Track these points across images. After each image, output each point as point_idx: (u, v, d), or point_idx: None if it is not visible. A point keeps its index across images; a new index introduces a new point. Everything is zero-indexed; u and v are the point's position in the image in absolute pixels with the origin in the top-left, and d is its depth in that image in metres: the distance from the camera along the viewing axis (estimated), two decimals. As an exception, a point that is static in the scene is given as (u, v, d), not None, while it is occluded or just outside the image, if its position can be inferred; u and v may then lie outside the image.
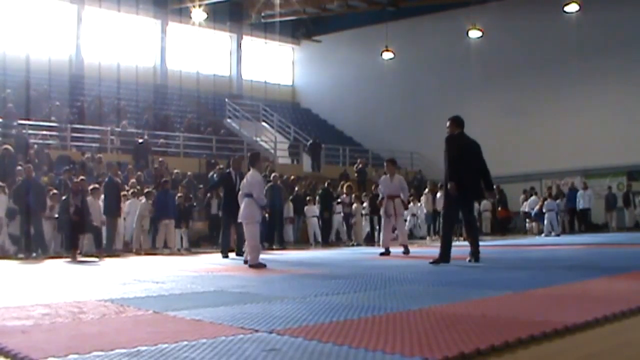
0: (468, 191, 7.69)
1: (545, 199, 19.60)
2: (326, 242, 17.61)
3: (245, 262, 8.61)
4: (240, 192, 8.79)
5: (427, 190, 19.09)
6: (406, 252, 10.54)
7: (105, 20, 26.31)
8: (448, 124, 7.86)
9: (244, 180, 8.73)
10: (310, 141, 24.74)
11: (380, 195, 11.46)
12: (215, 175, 16.80)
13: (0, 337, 2.94)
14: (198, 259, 11.66)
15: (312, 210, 17.70)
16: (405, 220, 17.67)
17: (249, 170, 8.72)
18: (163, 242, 14.56)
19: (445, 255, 7.60)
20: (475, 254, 7.68)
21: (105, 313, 3.84)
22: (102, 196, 13.80)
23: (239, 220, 8.72)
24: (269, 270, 7.75)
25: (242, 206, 8.51)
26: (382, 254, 10.52)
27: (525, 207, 21.34)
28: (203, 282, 6.09)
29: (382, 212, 11.40)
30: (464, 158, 7.59)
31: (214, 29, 28.72)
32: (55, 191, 13.81)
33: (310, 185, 20.40)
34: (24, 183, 12.70)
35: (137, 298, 4.68)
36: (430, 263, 7.57)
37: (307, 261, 9.88)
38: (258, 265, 8.10)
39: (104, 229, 13.55)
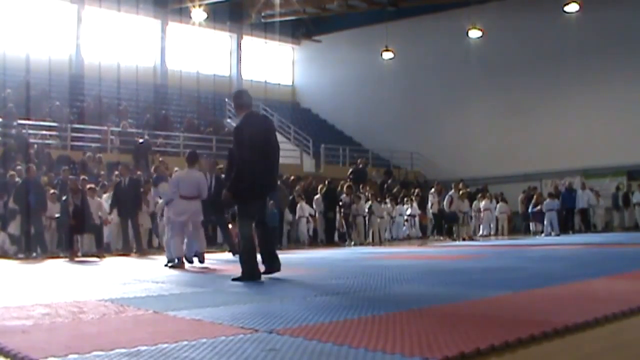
0: (265, 188, 6.19)
1: (540, 197, 19.45)
2: (331, 242, 17.59)
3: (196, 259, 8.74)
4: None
5: (432, 190, 18.94)
6: (200, 261, 8.68)
7: (105, 20, 26.27)
8: (234, 105, 6.30)
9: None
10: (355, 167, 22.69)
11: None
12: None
13: (0, 337, 2.94)
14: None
15: (305, 209, 17.57)
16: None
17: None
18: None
19: (253, 270, 5.98)
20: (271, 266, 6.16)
21: (105, 313, 3.84)
22: (105, 195, 13.83)
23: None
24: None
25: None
26: (172, 266, 8.41)
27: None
28: (203, 282, 6.09)
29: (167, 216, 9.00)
30: (261, 143, 5.92)
31: (214, 29, 28.69)
32: (53, 191, 13.80)
33: (311, 186, 20.34)
34: (24, 183, 12.69)
35: (137, 298, 4.68)
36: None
37: (307, 261, 9.88)
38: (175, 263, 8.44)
39: (106, 228, 13.53)
